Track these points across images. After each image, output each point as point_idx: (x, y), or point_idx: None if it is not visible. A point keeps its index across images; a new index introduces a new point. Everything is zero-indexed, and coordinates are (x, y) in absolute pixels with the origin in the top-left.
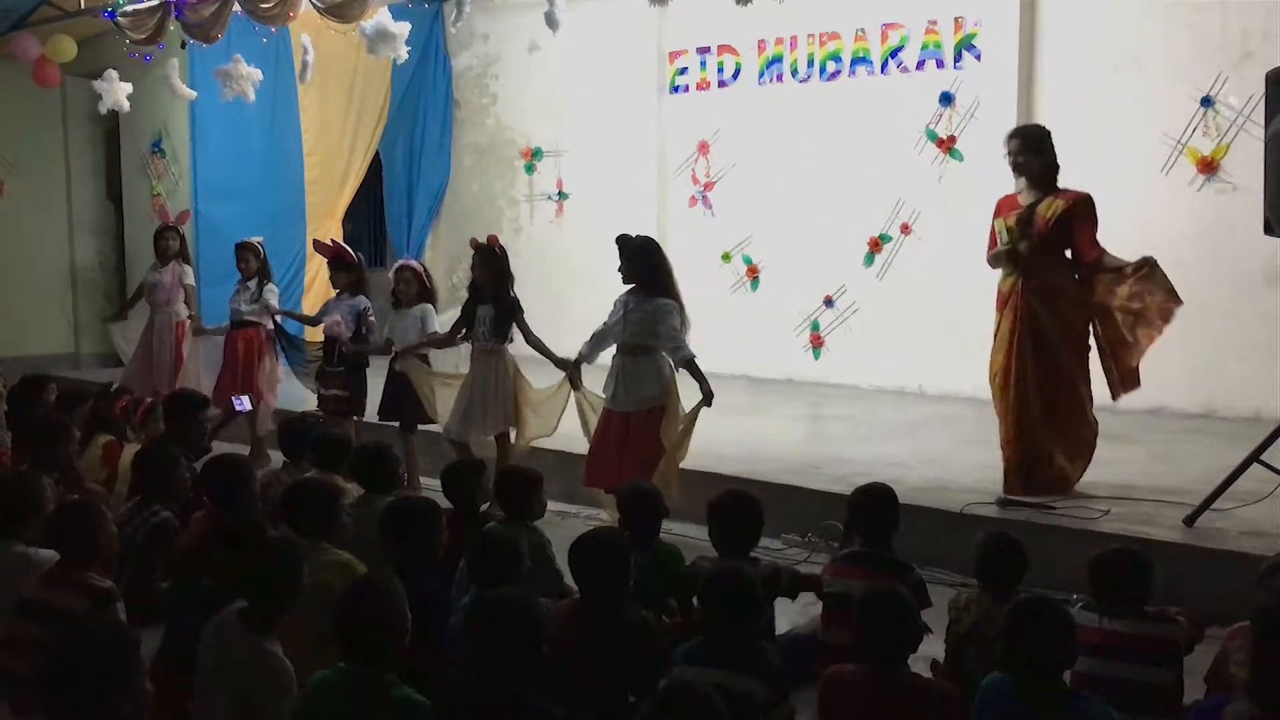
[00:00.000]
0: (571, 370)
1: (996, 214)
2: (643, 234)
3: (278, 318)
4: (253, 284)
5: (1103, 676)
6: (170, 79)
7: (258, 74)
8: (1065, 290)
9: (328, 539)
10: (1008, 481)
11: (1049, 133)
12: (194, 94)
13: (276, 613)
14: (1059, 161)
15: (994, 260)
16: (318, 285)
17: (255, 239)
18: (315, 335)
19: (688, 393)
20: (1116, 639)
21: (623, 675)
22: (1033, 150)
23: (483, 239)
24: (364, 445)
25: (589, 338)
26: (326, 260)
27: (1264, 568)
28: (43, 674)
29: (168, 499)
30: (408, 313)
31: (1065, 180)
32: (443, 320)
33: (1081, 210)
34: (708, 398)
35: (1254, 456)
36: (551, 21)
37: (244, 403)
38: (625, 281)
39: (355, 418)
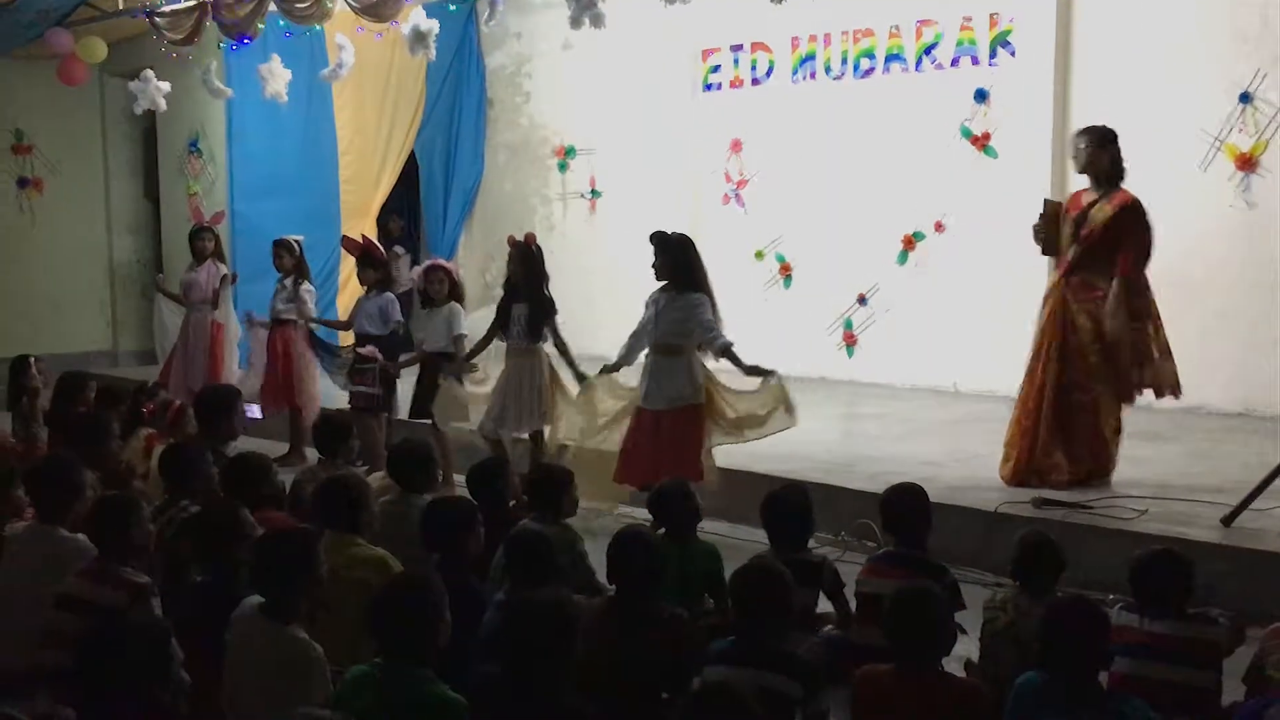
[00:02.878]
0: (609, 371)
1: (1067, 210)
2: (679, 231)
3: (311, 325)
4: (289, 282)
5: (1143, 677)
6: (208, 77)
7: (288, 74)
8: (1105, 294)
9: (360, 534)
10: (1010, 468)
11: (1116, 134)
12: (230, 91)
13: (295, 600)
14: (1124, 163)
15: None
16: (353, 284)
17: (293, 237)
18: (347, 338)
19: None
20: (1157, 640)
21: (655, 672)
22: (1099, 146)
23: (518, 237)
24: (403, 444)
25: (626, 340)
26: (355, 257)
27: None
28: (80, 667)
29: (195, 494)
30: (437, 312)
31: None
32: (473, 319)
33: (1127, 218)
34: (761, 374)
35: None
36: (598, 20)
37: (253, 411)
38: (659, 278)
39: (385, 414)
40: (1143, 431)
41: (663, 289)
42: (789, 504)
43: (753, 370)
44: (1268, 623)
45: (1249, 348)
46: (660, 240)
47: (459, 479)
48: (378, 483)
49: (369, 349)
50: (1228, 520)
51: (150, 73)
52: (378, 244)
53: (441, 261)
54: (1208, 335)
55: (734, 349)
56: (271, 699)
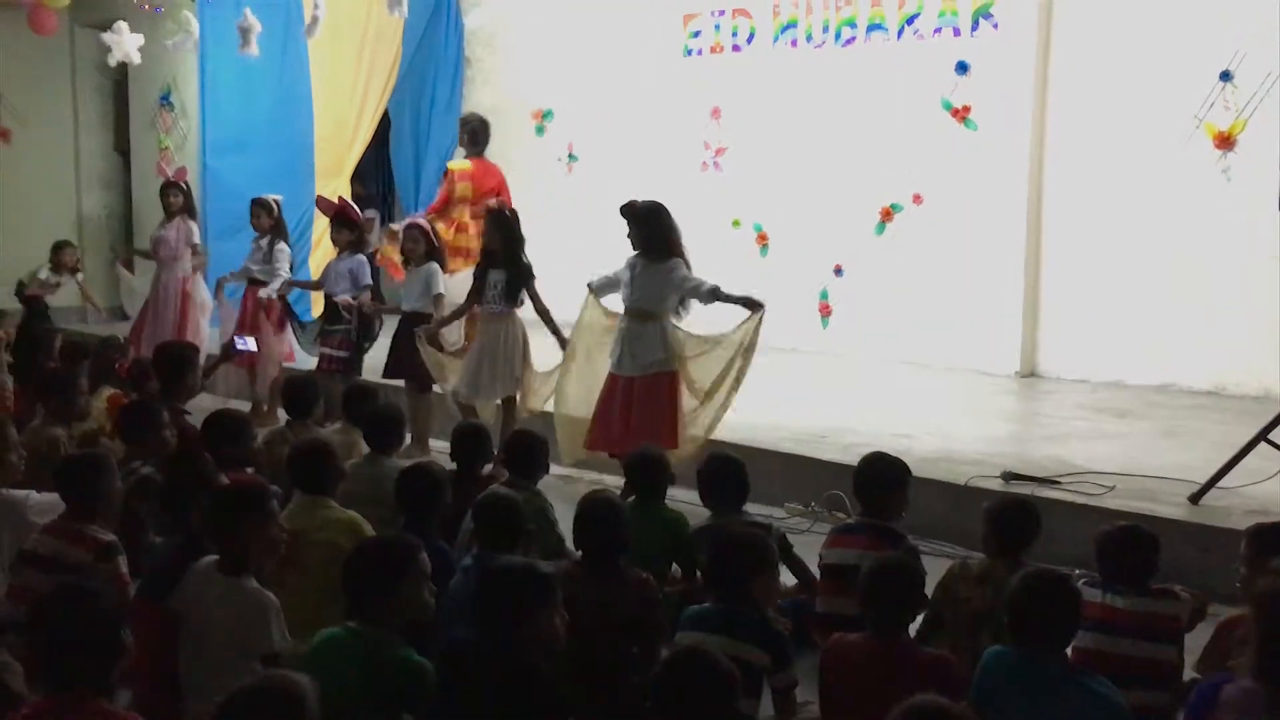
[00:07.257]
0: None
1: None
2: (648, 199)
3: (284, 294)
4: (265, 242)
5: (1105, 652)
6: (179, 33)
7: (257, 25)
8: None
9: (332, 496)
10: None
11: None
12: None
13: (248, 553)
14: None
15: None
16: (326, 242)
17: (272, 196)
18: (319, 304)
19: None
20: (1120, 615)
21: (623, 636)
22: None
23: (492, 203)
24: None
25: (600, 276)
26: (330, 218)
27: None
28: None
29: (149, 454)
30: (415, 271)
31: (1084, 155)
32: (449, 282)
33: None
34: (755, 307)
35: (1262, 435)
36: None
37: (247, 343)
38: (635, 248)
39: (354, 377)
40: (1112, 408)
41: (639, 255)
42: (724, 471)
43: (744, 301)
44: (1232, 600)
45: (1221, 327)
46: (630, 211)
47: (435, 443)
48: (337, 437)
49: (343, 298)
50: (1195, 498)
51: (124, 24)
52: (353, 205)
53: (419, 220)
54: (1180, 313)
55: (721, 289)
56: (230, 653)
